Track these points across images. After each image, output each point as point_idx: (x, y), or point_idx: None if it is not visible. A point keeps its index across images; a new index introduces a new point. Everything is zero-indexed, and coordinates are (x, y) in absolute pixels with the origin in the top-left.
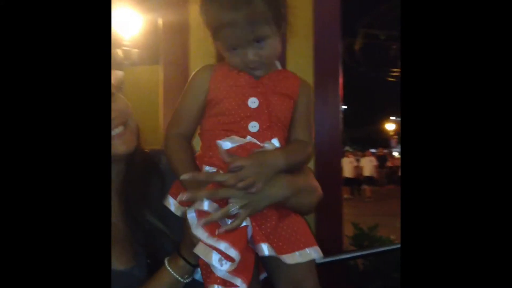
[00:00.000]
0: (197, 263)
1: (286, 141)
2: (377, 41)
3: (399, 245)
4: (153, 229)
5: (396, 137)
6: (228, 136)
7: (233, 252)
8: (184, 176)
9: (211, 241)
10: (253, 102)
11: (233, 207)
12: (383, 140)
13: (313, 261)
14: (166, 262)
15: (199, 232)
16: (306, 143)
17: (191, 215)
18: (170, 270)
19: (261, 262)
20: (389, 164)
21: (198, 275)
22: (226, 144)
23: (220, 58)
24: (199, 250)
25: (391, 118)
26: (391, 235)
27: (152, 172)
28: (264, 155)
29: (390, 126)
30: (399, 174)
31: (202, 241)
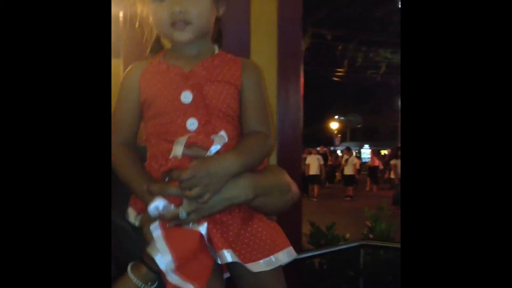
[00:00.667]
0: (158, 270)
1: (238, 132)
2: (323, 41)
3: (356, 243)
4: (118, 230)
5: (340, 135)
6: (166, 139)
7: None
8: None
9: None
10: (186, 97)
11: (182, 212)
12: (327, 139)
13: (279, 267)
14: (129, 269)
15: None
16: (263, 135)
17: (155, 226)
18: (133, 277)
19: (225, 265)
20: (329, 162)
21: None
22: (178, 151)
23: (152, 52)
24: (151, 250)
25: (335, 117)
26: (343, 233)
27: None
28: (215, 163)
29: (334, 125)
30: (339, 172)
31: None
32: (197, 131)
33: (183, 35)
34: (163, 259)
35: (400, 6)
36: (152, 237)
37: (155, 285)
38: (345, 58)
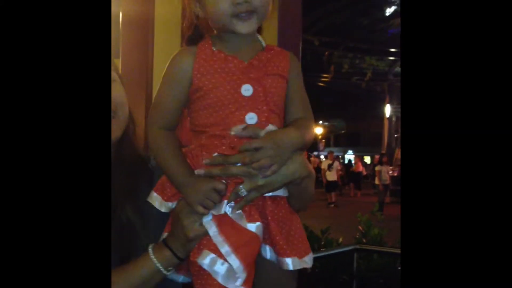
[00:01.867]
0: (185, 257)
1: (282, 126)
2: (310, 46)
3: (350, 247)
4: (128, 226)
5: (324, 140)
6: (223, 133)
7: (240, 268)
8: (199, 171)
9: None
10: (246, 90)
11: (242, 190)
12: (312, 144)
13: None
14: (150, 250)
15: (217, 238)
16: (310, 120)
17: (207, 220)
18: (154, 259)
19: None
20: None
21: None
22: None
23: (191, 42)
24: (203, 259)
25: (320, 122)
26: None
27: (141, 171)
28: (281, 135)
29: (318, 130)
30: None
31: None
32: (255, 126)
33: (247, 27)
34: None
35: (388, 13)
36: (196, 228)
37: (173, 271)
38: (331, 64)
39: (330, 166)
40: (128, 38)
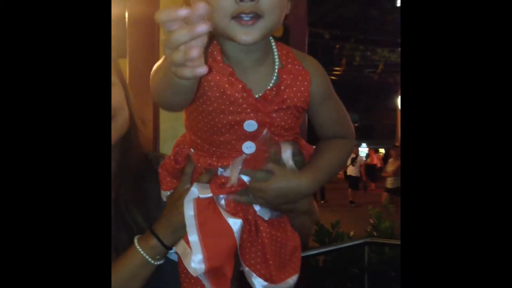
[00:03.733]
0: (172, 244)
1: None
2: (321, 40)
3: (361, 241)
4: (138, 232)
5: None
6: (211, 152)
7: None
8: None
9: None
10: (250, 125)
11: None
12: None
13: None
14: (136, 241)
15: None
16: (346, 141)
17: (188, 199)
18: (140, 250)
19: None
20: None
21: (173, 255)
22: (234, 178)
23: None
24: (179, 247)
25: None
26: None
27: (149, 175)
28: (287, 183)
29: None
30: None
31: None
32: (253, 155)
33: (250, 35)
34: (194, 257)
35: (399, 4)
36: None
37: (162, 261)
38: (343, 57)
39: (353, 160)
40: (135, 38)
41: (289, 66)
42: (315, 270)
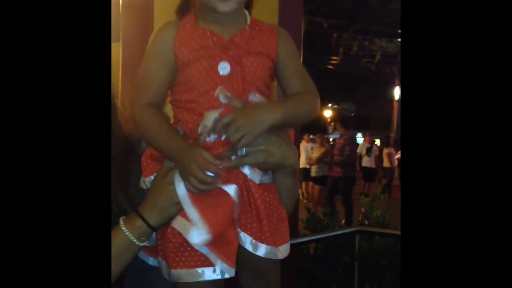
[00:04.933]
0: (157, 226)
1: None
2: (319, 29)
3: (352, 229)
4: (119, 213)
5: (333, 123)
6: (194, 110)
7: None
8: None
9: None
10: (223, 68)
11: (243, 150)
12: (320, 127)
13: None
14: (121, 221)
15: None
16: (310, 94)
17: (182, 190)
18: (125, 230)
19: None
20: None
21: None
22: (209, 118)
23: (180, 12)
24: (177, 224)
25: (329, 105)
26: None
27: (131, 157)
28: (253, 108)
29: (327, 113)
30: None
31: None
32: (229, 106)
33: (227, 6)
34: (196, 229)
35: None
36: (169, 196)
37: (147, 242)
38: (340, 47)
39: (369, 151)
40: (128, 22)
41: (258, 23)
42: (306, 258)
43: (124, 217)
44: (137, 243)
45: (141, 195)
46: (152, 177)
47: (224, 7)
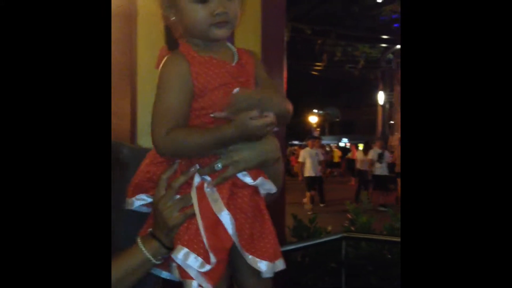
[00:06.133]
0: (172, 246)
1: None
2: (303, 35)
3: (338, 235)
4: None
5: (319, 129)
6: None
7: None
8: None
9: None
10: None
11: (219, 163)
12: (306, 132)
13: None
14: (139, 240)
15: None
16: (281, 94)
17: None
18: (143, 249)
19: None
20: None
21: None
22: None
23: (170, 43)
24: (176, 254)
25: (314, 110)
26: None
27: (113, 163)
28: (254, 91)
29: (313, 119)
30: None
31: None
32: None
33: (222, 33)
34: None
35: (379, 0)
36: (176, 216)
37: (162, 261)
38: (324, 52)
39: (380, 157)
40: (114, 32)
41: (240, 50)
42: (293, 265)
43: (141, 236)
44: (154, 261)
45: (119, 202)
46: (141, 199)
47: (219, 34)
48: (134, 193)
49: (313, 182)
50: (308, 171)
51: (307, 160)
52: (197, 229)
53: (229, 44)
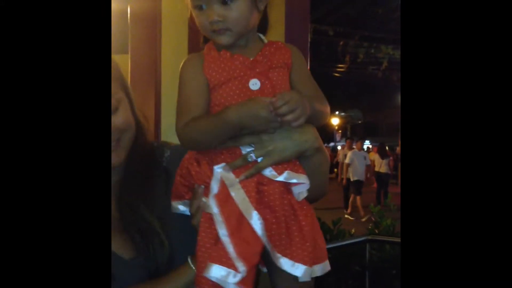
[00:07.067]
0: None
1: None
2: (325, 37)
3: (362, 238)
4: (146, 227)
5: (340, 131)
6: None
7: (241, 267)
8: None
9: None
10: (254, 84)
11: (252, 153)
12: (328, 134)
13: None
14: (189, 259)
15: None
16: (323, 97)
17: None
18: (193, 267)
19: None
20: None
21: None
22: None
23: (192, 47)
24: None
25: (336, 112)
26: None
27: (154, 167)
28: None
29: (334, 121)
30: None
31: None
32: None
33: (224, 39)
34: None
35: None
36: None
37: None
38: (347, 54)
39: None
40: (137, 34)
41: (275, 43)
42: None
43: (191, 256)
44: None
45: (167, 207)
46: (181, 203)
47: (221, 40)
48: (174, 197)
49: (361, 187)
50: (358, 175)
51: (355, 163)
52: (222, 241)
53: (262, 37)
